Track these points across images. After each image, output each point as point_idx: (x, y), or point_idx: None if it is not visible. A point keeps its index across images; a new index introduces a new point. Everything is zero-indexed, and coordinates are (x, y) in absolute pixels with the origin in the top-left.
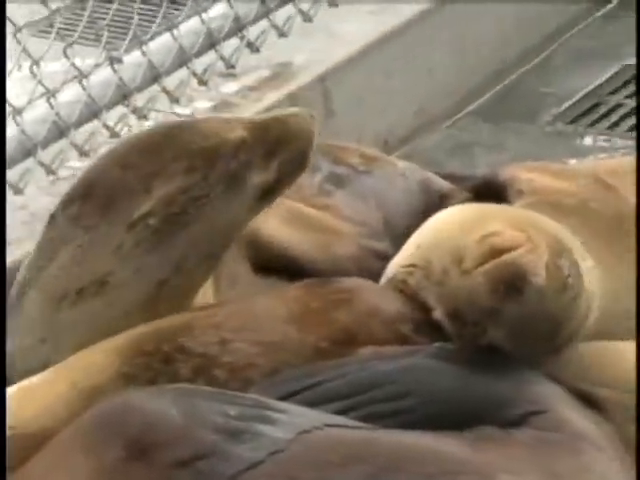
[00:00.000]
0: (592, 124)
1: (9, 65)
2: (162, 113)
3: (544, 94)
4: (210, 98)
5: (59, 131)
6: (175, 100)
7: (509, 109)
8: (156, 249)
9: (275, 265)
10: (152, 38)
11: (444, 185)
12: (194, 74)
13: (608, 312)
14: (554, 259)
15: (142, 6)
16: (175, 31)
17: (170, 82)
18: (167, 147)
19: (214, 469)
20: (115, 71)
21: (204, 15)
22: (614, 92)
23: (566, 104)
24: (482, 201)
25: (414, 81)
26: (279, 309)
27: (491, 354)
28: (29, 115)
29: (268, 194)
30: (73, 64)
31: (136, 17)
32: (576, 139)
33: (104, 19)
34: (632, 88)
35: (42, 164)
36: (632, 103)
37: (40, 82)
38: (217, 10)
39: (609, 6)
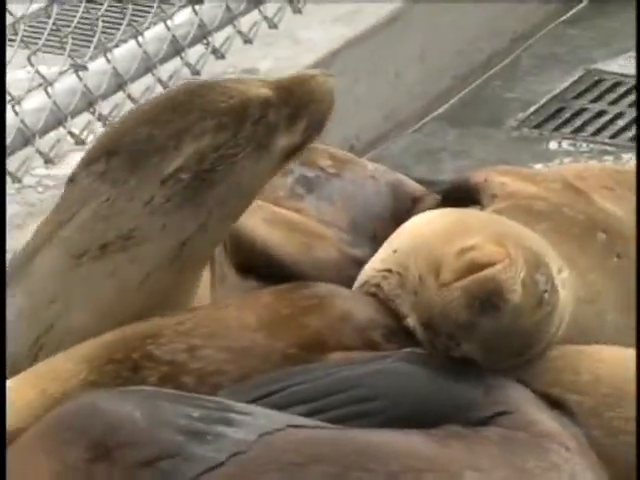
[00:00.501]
0: (557, 128)
1: None
2: None
3: (509, 99)
4: None
5: (24, 139)
6: None
7: (475, 114)
8: (185, 206)
9: (256, 264)
10: (117, 45)
11: (416, 188)
12: (159, 81)
13: (580, 316)
14: (531, 274)
15: (107, 13)
16: (140, 38)
17: (135, 89)
18: (195, 105)
19: (176, 469)
20: (80, 78)
21: (169, 22)
22: (578, 96)
23: (531, 109)
24: (453, 204)
25: (380, 86)
26: (248, 316)
27: (461, 360)
28: None
29: (290, 155)
30: (38, 71)
31: (100, 24)
32: (541, 144)
33: (69, 26)
34: (596, 92)
35: (7, 172)
36: (596, 107)
37: (5, 90)
38: (182, 17)
39: (573, 11)
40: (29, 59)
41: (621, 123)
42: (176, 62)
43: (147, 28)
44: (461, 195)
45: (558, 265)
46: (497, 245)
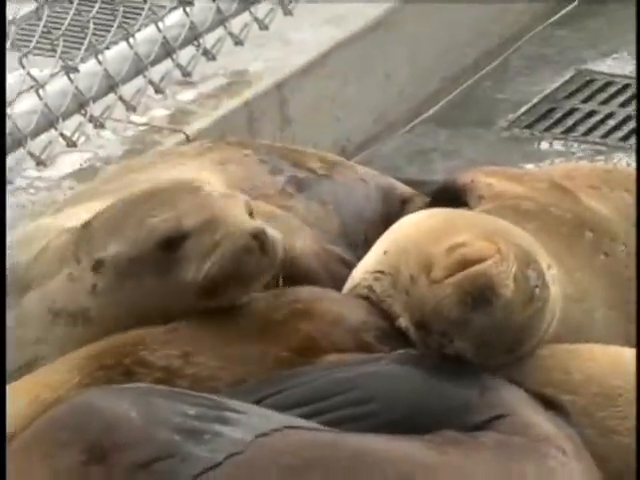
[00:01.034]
0: (547, 129)
1: None
2: (119, 122)
3: (500, 100)
4: (167, 106)
5: (16, 141)
6: (132, 109)
7: (465, 115)
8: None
9: None
10: (108, 47)
11: (405, 190)
12: (151, 82)
13: (569, 314)
14: (522, 270)
15: (97, 15)
16: (131, 39)
17: (127, 91)
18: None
19: (173, 470)
20: (71, 80)
21: (160, 23)
22: (569, 97)
23: (522, 109)
24: (442, 206)
25: (371, 88)
26: (240, 322)
27: (454, 360)
28: None
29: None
30: (29, 74)
31: (92, 26)
32: (532, 144)
33: (59, 28)
34: (587, 92)
35: None
36: (587, 107)
37: (5, 90)
38: (173, 18)
39: (562, 12)
40: (20, 61)
41: (612, 123)
42: (167, 64)
43: (138, 30)
44: (449, 196)
45: (547, 262)
46: (487, 241)
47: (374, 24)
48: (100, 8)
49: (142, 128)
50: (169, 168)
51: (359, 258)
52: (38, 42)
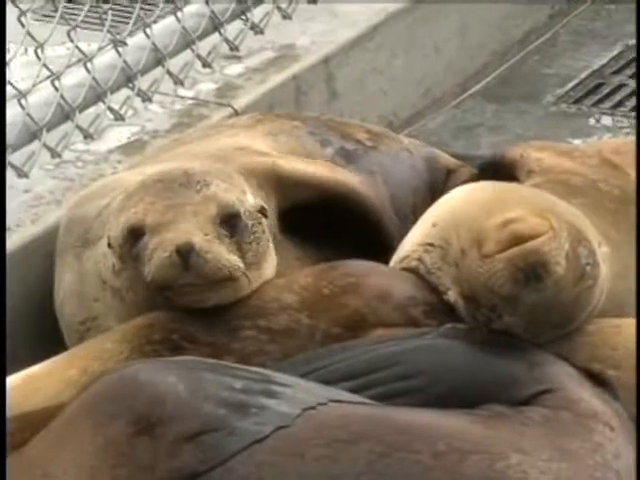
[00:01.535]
0: (595, 104)
1: (13, 49)
2: (166, 96)
3: (547, 75)
4: (214, 80)
5: (64, 114)
6: (179, 82)
7: (512, 90)
8: None
9: (298, 197)
10: (156, 21)
11: (450, 161)
12: (198, 56)
13: (614, 290)
14: (574, 247)
15: None
16: (179, 13)
17: (174, 64)
18: None
19: (220, 443)
20: (119, 54)
21: None
22: (617, 72)
23: (569, 84)
24: (489, 179)
25: (418, 62)
26: (289, 297)
27: (502, 335)
28: (34, 98)
29: None
30: (77, 47)
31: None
32: (580, 119)
33: (108, 2)
34: (635, 68)
35: (47, 147)
36: (635, 83)
37: (45, 65)
38: None
39: None
40: (69, 35)
41: None
42: (215, 38)
43: (186, 4)
44: (497, 170)
45: (598, 240)
46: (540, 217)
47: None
48: None
49: (189, 102)
50: (224, 138)
51: (408, 228)
52: (86, 16)
